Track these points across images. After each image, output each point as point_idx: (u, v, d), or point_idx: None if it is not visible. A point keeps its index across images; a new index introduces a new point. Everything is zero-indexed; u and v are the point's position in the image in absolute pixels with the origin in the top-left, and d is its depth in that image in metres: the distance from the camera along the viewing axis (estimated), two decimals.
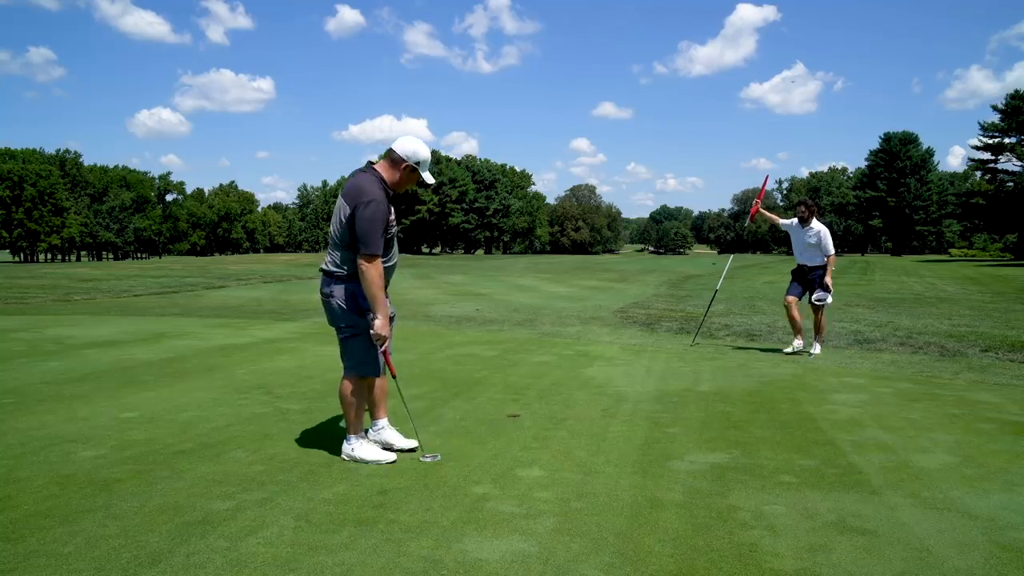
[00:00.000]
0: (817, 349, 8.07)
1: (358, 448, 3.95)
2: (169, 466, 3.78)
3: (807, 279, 8.14)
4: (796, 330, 8.17)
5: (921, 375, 6.89)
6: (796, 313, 8.16)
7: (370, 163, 3.90)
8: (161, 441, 4.26)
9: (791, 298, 8.17)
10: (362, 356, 3.91)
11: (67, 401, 5.34)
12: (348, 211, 3.69)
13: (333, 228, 3.84)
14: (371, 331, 3.79)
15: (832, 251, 8.03)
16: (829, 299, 7.99)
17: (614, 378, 6.56)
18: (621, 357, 7.91)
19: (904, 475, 3.76)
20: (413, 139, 3.88)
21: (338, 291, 3.82)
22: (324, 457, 3.99)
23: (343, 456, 3.97)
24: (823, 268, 8.06)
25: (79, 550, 2.74)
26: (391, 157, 3.86)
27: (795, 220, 8.25)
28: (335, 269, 3.83)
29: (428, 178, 3.91)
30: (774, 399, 5.65)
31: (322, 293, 3.92)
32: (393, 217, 3.84)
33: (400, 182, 3.85)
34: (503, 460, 3.97)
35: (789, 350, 8.07)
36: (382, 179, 3.79)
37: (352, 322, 3.85)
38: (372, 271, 3.68)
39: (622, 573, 2.63)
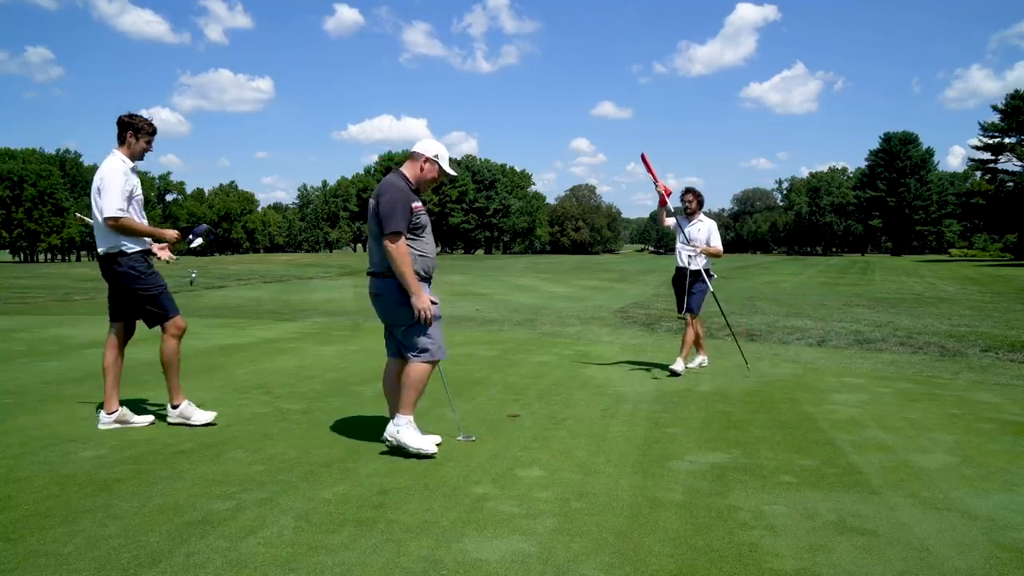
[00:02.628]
0: (679, 366, 6.73)
1: (404, 431, 4.01)
2: (169, 466, 3.78)
3: (687, 287, 6.90)
4: (699, 345, 7.26)
5: (921, 375, 6.89)
6: (691, 331, 6.98)
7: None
8: (161, 441, 4.26)
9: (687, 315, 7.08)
10: (429, 342, 4.02)
11: (67, 401, 5.34)
12: (374, 203, 3.96)
13: (371, 230, 4.02)
14: (416, 310, 3.92)
15: (721, 248, 6.96)
16: (702, 260, 6.80)
17: (614, 378, 6.56)
18: (621, 357, 7.91)
19: (904, 475, 3.76)
20: (430, 140, 4.18)
21: (389, 288, 3.99)
22: (324, 457, 3.99)
23: (387, 437, 4.02)
24: (706, 271, 6.90)
25: (79, 550, 2.74)
26: (411, 156, 4.14)
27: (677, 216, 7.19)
28: (382, 269, 4.00)
29: (450, 171, 4.21)
30: (774, 399, 5.65)
31: (371, 294, 4.10)
32: (419, 206, 4.03)
33: (423, 175, 4.10)
34: (503, 460, 3.97)
35: (693, 365, 7.12)
36: (404, 176, 4.07)
37: (410, 313, 3.98)
38: (398, 249, 3.86)
39: (622, 573, 2.63)
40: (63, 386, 5.91)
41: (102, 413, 4.58)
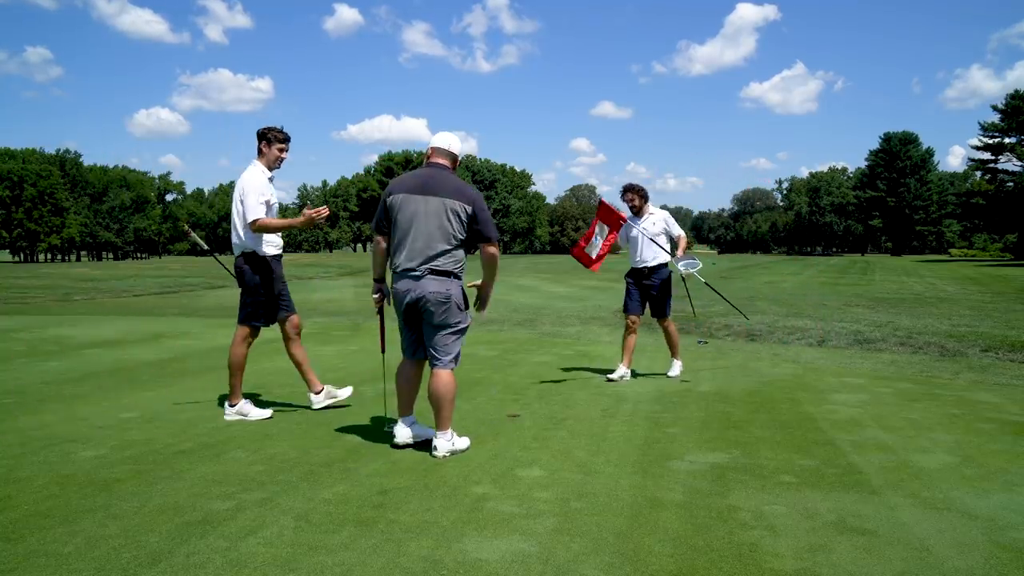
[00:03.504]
0: (676, 370, 6.61)
1: (457, 442, 4.13)
2: (169, 466, 3.78)
3: (646, 286, 6.44)
4: (627, 353, 6.51)
5: (921, 375, 6.89)
6: (634, 337, 6.57)
7: (435, 161, 4.12)
8: (161, 441, 4.26)
9: (634, 317, 6.49)
10: (460, 349, 4.16)
11: (67, 401, 5.34)
12: (469, 209, 3.95)
13: (439, 228, 3.93)
14: (482, 315, 4.24)
15: (683, 232, 6.55)
16: (699, 264, 6.51)
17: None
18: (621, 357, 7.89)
19: (904, 475, 3.76)
20: (453, 136, 4.19)
21: (456, 289, 4.02)
22: (324, 457, 3.99)
23: (444, 454, 4.01)
24: (667, 268, 6.47)
25: (79, 550, 2.74)
26: (451, 155, 4.14)
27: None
28: (454, 268, 4.00)
29: None
30: (774, 399, 5.65)
31: (431, 293, 3.94)
32: None
33: None
34: (503, 460, 3.97)
35: (615, 376, 6.41)
36: None
37: (464, 319, 4.10)
38: (497, 256, 4.16)
39: (622, 573, 2.63)
40: (63, 386, 5.91)
41: (313, 396, 5.11)
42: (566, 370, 7.02)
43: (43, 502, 3.23)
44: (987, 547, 2.87)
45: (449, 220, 3.93)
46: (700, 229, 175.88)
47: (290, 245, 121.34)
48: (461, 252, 4.03)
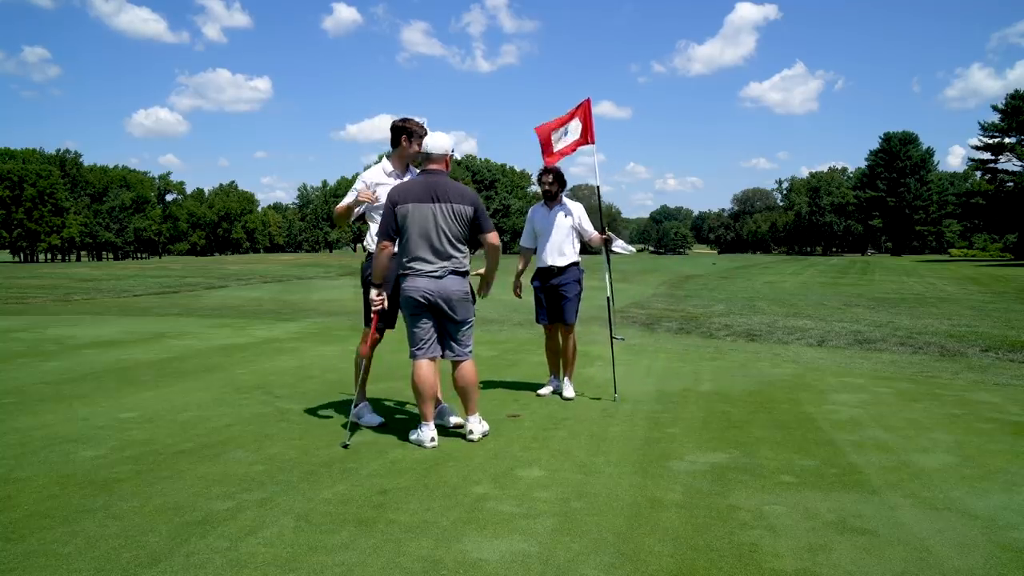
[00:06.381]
0: (570, 391, 5.72)
1: (484, 423, 4.48)
2: (169, 466, 3.78)
3: (554, 287, 5.72)
4: (553, 366, 5.99)
5: (921, 375, 6.89)
6: (556, 345, 5.92)
7: (433, 168, 4.34)
8: (161, 441, 4.26)
9: (552, 326, 5.88)
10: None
11: (67, 401, 5.34)
12: (471, 210, 4.29)
13: (450, 231, 4.25)
14: (484, 295, 4.64)
15: (595, 232, 5.76)
16: (632, 250, 6.14)
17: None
18: (621, 357, 7.90)
19: (904, 475, 3.76)
20: (444, 135, 4.43)
21: (468, 286, 4.37)
22: (324, 457, 3.99)
23: (480, 435, 4.37)
24: (578, 267, 5.82)
25: (79, 550, 2.74)
26: (445, 157, 4.37)
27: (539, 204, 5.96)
28: (467, 267, 4.35)
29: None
30: (774, 399, 5.65)
31: (455, 291, 4.27)
32: None
33: None
34: (503, 460, 3.97)
35: (545, 392, 5.84)
36: None
37: (473, 312, 4.44)
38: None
39: (622, 573, 2.63)
40: (63, 386, 5.91)
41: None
42: None
43: (43, 502, 3.23)
44: (987, 547, 2.87)
45: (458, 223, 4.27)
46: (700, 229, 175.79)
47: (290, 245, 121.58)
48: (467, 250, 4.35)
